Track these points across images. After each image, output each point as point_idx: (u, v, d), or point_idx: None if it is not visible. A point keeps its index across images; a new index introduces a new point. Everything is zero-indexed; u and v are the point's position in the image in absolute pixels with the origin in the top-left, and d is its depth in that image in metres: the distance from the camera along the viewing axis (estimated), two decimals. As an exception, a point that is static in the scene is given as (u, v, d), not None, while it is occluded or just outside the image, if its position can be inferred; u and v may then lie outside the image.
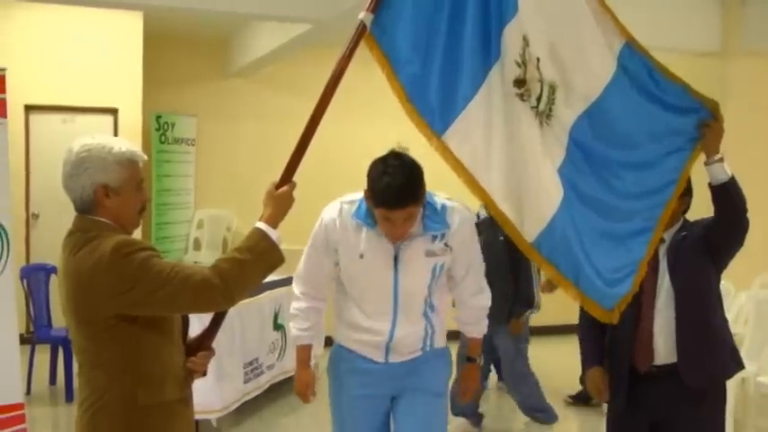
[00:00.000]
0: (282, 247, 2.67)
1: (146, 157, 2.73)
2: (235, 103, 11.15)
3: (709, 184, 3.31)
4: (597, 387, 3.68)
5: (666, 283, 3.52)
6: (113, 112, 9.36)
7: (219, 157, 11.07)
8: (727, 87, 8.03)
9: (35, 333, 7.18)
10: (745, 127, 7.60)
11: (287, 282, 7.21)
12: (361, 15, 2.86)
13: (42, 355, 7.20)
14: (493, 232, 5.54)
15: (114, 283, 2.44)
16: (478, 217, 5.56)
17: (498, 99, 3.03)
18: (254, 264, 2.58)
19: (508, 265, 6.05)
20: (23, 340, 7.14)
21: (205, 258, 9.62)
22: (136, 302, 2.47)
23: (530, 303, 6.28)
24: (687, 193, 3.50)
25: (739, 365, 3.67)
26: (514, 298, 6.21)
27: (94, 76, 9.19)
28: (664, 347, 3.50)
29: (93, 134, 2.65)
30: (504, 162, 3.04)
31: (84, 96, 9.19)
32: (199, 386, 5.31)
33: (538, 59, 3.05)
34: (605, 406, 4.02)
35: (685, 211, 3.61)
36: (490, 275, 3.84)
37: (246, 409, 6.42)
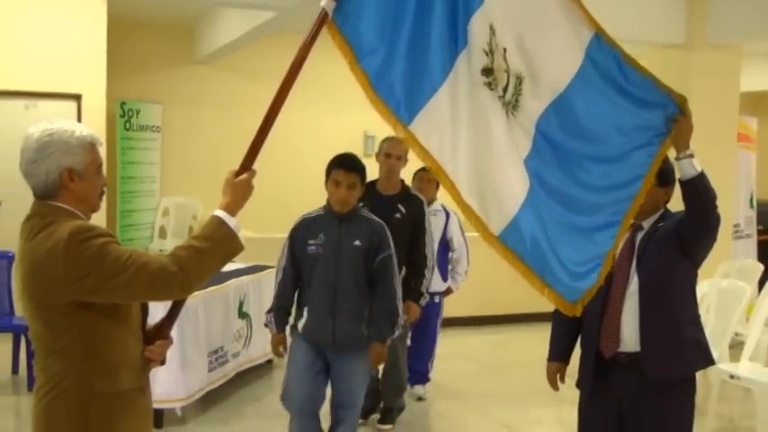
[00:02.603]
0: (243, 235, 2.65)
1: (103, 138, 2.71)
2: (200, 90, 11.09)
3: (679, 179, 3.33)
4: (551, 380, 3.85)
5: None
6: (77, 98, 9.22)
7: (185, 144, 11.00)
8: (691, 79, 8.10)
9: (-4, 322, 7.09)
10: (708, 119, 7.67)
11: (252, 270, 7.23)
12: (323, 3, 2.83)
13: (4, 344, 7.11)
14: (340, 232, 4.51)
15: (70, 269, 2.42)
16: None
17: (465, 88, 3.00)
18: (212, 251, 2.56)
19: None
20: (-16, 329, 7.07)
21: (171, 246, 9.47)
22: (91, 289, 2.44)
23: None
24: (670, 183, 3.51)
25: (707, 362, 3.66)
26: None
27: (58, 62, 9.05)
28: (629, 335, 3.51)
29: (51, 119, 2.62)
30: (470, 153, 3.02)
31: (47, 82, 9.05)
32: (163, 375, 5.37)
33: (504, 50, 3.04)
34: None
35: (667, 202, 3.62)
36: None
37: (211, 397, 6.38)
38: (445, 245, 6.61)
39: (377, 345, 4.48)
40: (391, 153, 5.61)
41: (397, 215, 5.44)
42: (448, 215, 6.62)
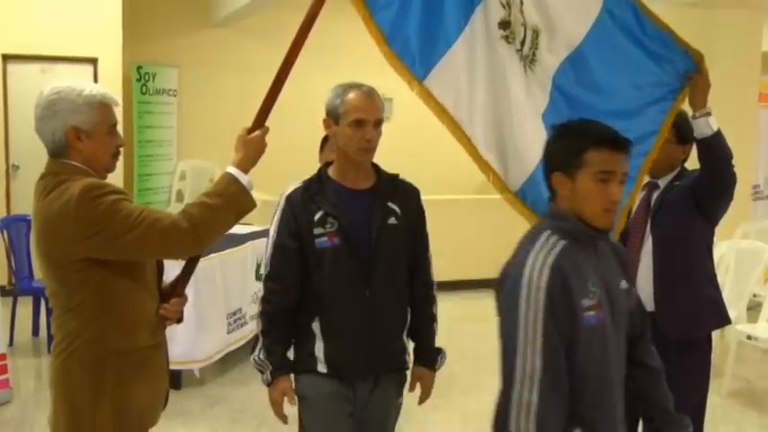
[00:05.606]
0: (259, 197, 2.63)
1: (119, 101, 2.69)
2: (217, 53, 11.05)
3: (695, 137, 3.30)
4: None
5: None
6: (93, 61, 9.23)
7: (202, 107, 10.99)
8: (711, 38, 8.00)
9: (16, 285, 7.15)
10: (728, 78, 7.59)
11: (268, 233, 7.23)
12: None
13: (24, 306, 7.18)
14: None
15: (81, 225, 2.41)
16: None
17: (482, 42, 2.99)
18: (224, 208, 2.53)
19: None
20: (5, 292, 7.16)
21: (188, 210, 9.61)
22: (103, 246, 2.44)
23: None
24: (688, 140, 3.47)
25: (722, 321, 3.65)
26: None
27: (73, 25, 9.04)
28: (644, 294, 3.46)
29: (65, 78, 2.62)
30: (487, 108, 3.00)
31: (63, 46, 9.05)
32: (181, 337, 5.42)
33: (521, 2, 3.02)
34: None
35: (684, 160, 3.59)
36: None
37: (230, 359, 6.43)
38: None
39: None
40: (366, 118, 2.90)
41: (392, 219, 3.03)
42: None
